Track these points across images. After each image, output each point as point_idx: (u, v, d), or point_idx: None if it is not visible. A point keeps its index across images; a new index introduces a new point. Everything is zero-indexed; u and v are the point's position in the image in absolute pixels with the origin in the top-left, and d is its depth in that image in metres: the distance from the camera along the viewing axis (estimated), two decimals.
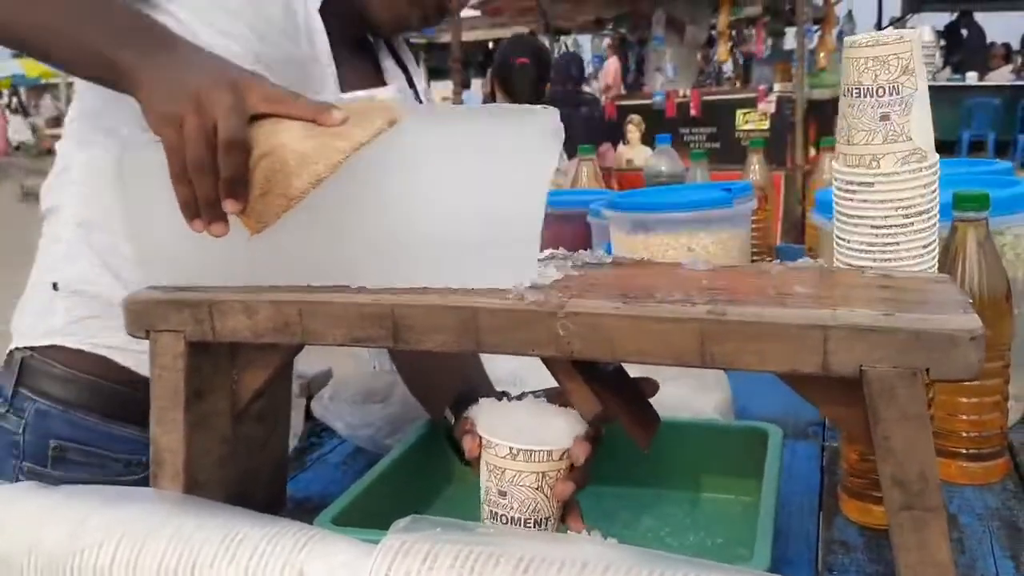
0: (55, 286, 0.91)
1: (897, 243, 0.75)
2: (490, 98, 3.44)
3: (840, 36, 6.58)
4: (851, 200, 0.76)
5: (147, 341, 0.72)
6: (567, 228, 1.49)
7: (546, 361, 0.67)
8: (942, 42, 11.03)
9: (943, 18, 11.69)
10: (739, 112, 5.85)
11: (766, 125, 5.77)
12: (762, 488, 0.76)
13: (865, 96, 0.73)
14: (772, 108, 5.66)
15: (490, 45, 14.56)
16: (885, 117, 0.73)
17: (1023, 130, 9.42)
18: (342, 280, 0.68)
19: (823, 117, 6.02)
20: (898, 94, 0.72)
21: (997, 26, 11.56)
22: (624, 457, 0.89)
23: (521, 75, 3.19)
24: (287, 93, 0.66)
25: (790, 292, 0.63)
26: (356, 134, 0.63)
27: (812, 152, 6.00)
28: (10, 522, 0.72)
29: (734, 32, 7.10)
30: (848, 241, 0.77)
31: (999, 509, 0.85)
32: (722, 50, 6.47)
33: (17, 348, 0.93)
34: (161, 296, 0.71)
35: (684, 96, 6.00)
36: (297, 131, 0.64)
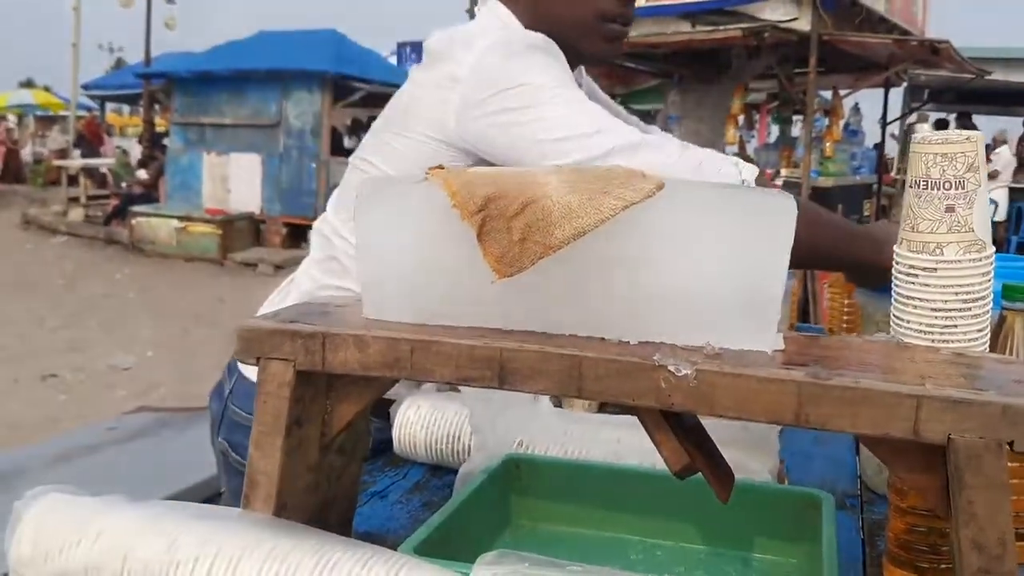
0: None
1: (955, 326, 0.80)
2: None
3: (847, 127, 6.77)
4: (913, 283, 0.81)
5: None
6: None
7: (636, 409, 0.71)
8: None
9: (941, 116, 11.99)
10: None
11: None
12: (822, 553, 0.79)
13: (932, 188, 0.79)
14: None
15: None
16: (950, 209, 0.79)
17: (1016, 231, 9.63)
18: (581, 331, 0.71)
19: (826, 205, 6.20)
20: (963, 188, 0.78)
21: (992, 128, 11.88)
22: (679, 514, 0.93)
23: None
24: None
25: (875, 362, 0.68)
26: (625, 194, 0.67)
27: None
28: (106, 530, 0.75)
29: (741, 116, 7.29)
30: (907, 321, 0.82)
31: None
32: (730, 133, 6.63)
33: None
34: (274, 325, 0.75)
35: None
36: (560, 184, 0.68)
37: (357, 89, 10.57)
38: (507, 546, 0.93)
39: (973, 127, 11.44)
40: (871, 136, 7.83)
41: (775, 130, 7.00)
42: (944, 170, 0.79)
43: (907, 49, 6.04)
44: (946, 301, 0.80)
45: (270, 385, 0.75)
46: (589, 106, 1.07)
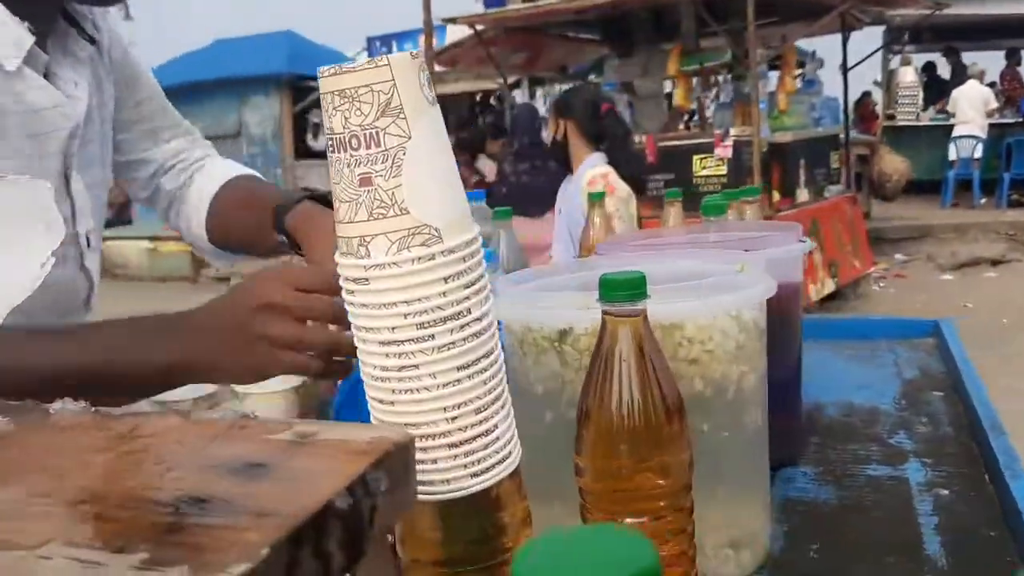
0: None
1: (416, 366, 0.50)
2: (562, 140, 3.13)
3: (803, 78, 6.40)
4: (352, 303, 0.51)
5: None
6: None
7: None
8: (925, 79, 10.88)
9: (923, 58, 11.53)
10: (695, 158, 5.62)
11: (724, 171, 5.53)
12: None
13: (340, 150, 0.49)
14: (729, 153, 5.44)
15: (477, 97, 14.54)
16: (366, 180, 0.48)
17: (1008, 168, 9.18)
18: None
19: (786, 161, 5.81)
20: (380, 145, 0.48)
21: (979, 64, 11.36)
22: None
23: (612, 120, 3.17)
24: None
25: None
26: None
27: (776, 197, 5.78)
28: None
29: (697, 78, 6.92)
30: (367, 364, 0.52)
31: None
32: (680, 96, 6.28)
33: None
34: None
35: (640, 143, 5.79)
36: None
37: (315, 88, 10.30)
38: None
39: (962, 66, 10.96)
40: (835, 86, 7.42)
41: (731, 89, 6.62)
42: (347, 118, 0.48)
43: None
44: (394, 329, 0.50)
45: None
46: None
